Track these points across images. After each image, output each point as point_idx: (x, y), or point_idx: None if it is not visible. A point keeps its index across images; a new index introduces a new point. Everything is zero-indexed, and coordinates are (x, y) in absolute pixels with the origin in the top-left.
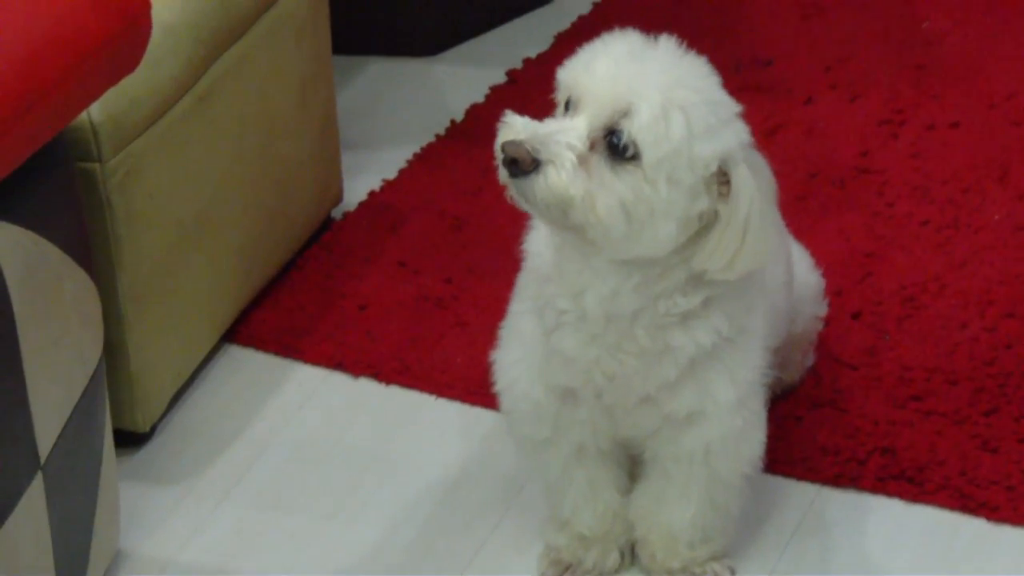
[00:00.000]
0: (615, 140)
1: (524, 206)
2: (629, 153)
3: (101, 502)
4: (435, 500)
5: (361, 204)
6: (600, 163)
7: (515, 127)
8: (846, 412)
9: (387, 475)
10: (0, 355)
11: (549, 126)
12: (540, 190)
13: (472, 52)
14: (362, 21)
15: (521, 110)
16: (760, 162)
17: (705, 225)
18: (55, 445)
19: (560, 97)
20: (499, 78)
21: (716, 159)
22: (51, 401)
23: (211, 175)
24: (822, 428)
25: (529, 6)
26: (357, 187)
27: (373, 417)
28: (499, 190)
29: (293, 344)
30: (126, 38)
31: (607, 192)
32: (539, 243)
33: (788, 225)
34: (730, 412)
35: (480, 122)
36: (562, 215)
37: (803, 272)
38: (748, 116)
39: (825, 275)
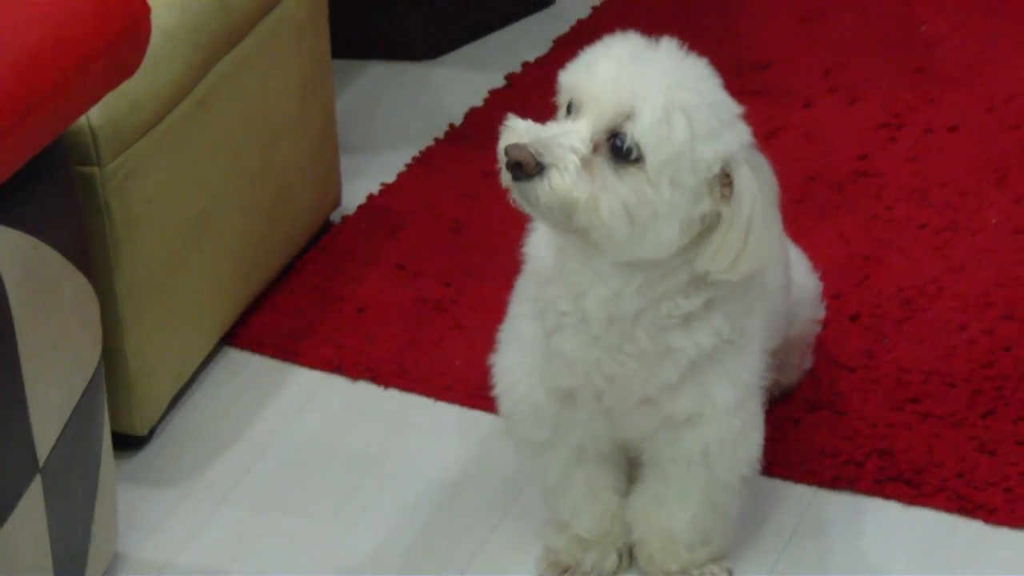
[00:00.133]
0: (618, 143)
1: (527, 209)
2: (632, 156)
3: (99, 505)
4: (434, 503)
5: (360, 207)
6: (603, 166)
7: (518, 130)
8: (844, 414)
9: (386, 478)
10: None
11: (552, 129)
12: (544, 193)
13: (471, 56)
14: (361, 25)
15: (520, 114)
16: (762, 162)
17: (707, 227)
18: (54, 448)
19: (562, 100)
20: (498, 82)
21: (718, 161)
22: (50, 404)
23: (210, 179)
24: (820, 430)
25: (528, 10)
26: (356, 190)
27: (372, 420)
28: (498, 194)
29: (292, 347)
30: (126, 42)
31: (610, 195)
32: (539, 246)
33: (786, 228)
34: (728, 414)
35: (479, 126)
36: (566, 218)
37: (801, 275)
38: (747, 119)
39: (823, 278)
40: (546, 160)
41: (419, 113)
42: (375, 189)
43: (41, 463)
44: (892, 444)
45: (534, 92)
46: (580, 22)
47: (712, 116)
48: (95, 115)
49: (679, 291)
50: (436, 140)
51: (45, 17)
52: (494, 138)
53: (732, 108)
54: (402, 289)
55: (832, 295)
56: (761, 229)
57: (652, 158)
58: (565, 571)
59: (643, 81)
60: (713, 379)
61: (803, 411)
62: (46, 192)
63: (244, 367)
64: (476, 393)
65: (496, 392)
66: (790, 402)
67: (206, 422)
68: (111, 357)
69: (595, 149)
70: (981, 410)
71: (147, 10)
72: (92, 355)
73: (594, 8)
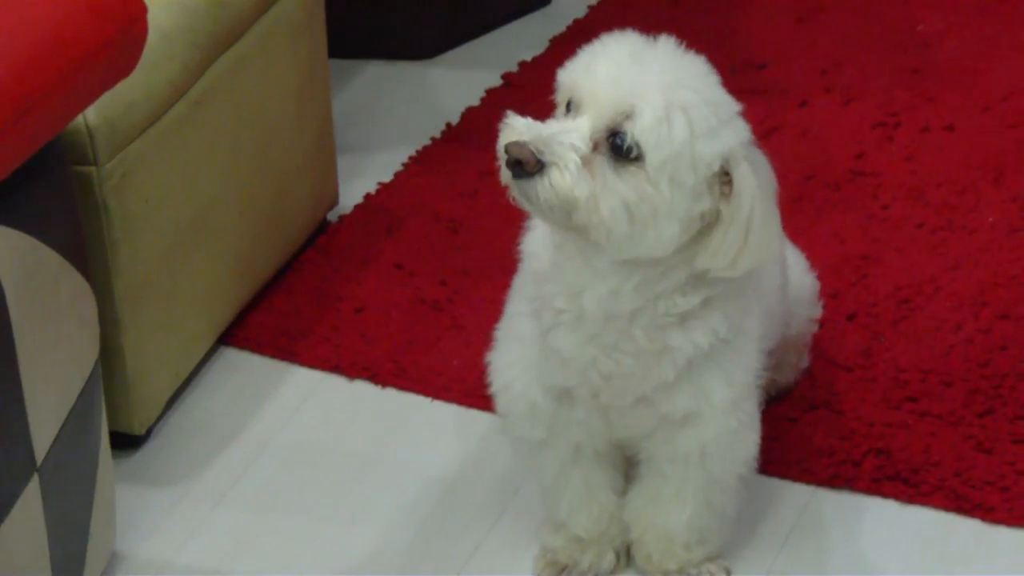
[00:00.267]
0: (618, 142)
1: (526, 207)
2: (632, 155)
3: (97, 504)
4: (431, 502)
5: (357, 207)
6: (603, 164)
7: (518, 128)
8: (841, 414)
9: (383, 477)
10: None
11: (552, 127)
12: (544, 191)
13: (468, 55)
14: (358, 25)
15: (517, 113)
16: (761, 159)
17: (707, 225)
18: (51, 447)
19: (560, 98)
20: (495, 81)
21: (718, 159)
22: (47, 404)
23: (207, 178)
24: (817, 429)
25: (525, 9)
26: (353, 190)
27: (369, 420)
28: (495, 193)
29: (289, 347)
30: (122, 42)
31: (610, 193)
32: (537, 244)
33: (783, 227)
34: (725, 413)
35: (476, 125)
36: (565, 216)
37: (798, 274)
38: (743, 118)
39: (820, 277)
40: (546, 158)
41: (416, 113)
42: (372, 189)
43: (39, 463)
44: (889, 443)
45: (531, 91)
46: (576, 21)
47: (711, 114)
48: (92, 115)
49: (677, 289)
50: (433, 140)
51: (42, 17)
52: (491, 138)
53: (731, 106)
54: (399, 289)
55: (829, 294)
56: (761, 226)
57: (652, 157)
58: (562, 570)
59: (642, 80)
60: (710, 378)
61: (800, 410)
62: (43, 192)
63: (242, 367)
64: (473, 392)
65: (493, 390)
66: (787, 401)
67: (204, 422)
68: (109, 357)
69: (595, 147)
70: (978, 409)
71: (144, 10)
72: (90, 355)
73: (590, 7)
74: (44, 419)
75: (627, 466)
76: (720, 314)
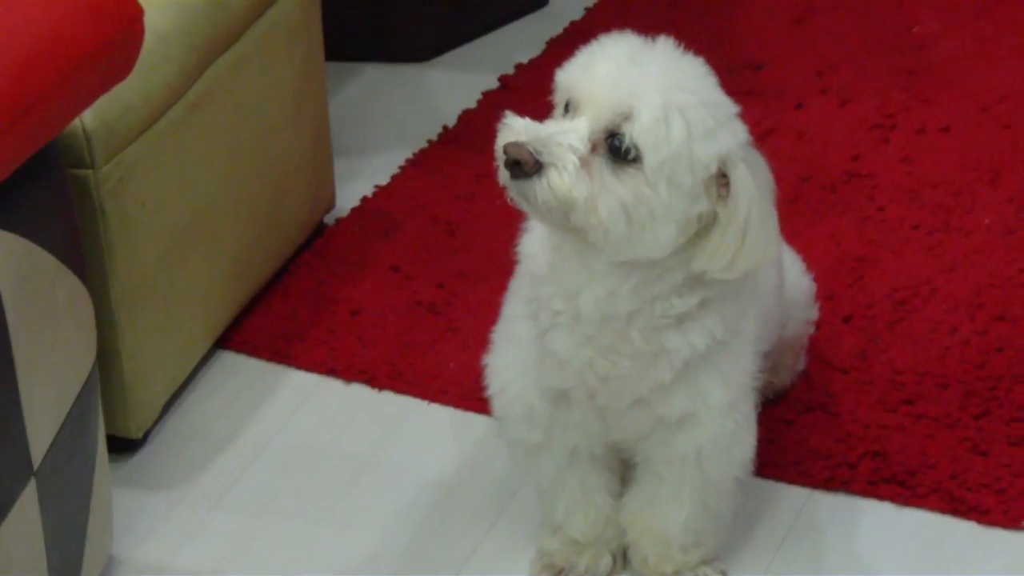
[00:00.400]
0: (616, 143)
1: (524, 208)
2: (630, 156)
3: (94, 508)
4: (428, 505)
5: (354, 210)
6: (601, 165)
7: (516, 128)
8: (837, 416)
9: (380, 480)
10: None
11: (550, 128)
12: (542, 192)
13: (465, 58)
14: (355, 27)
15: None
16: (759, 161)
17: (704, 226)
18: (48, 451)
19: (559, 99)
20: (491, 84)
21: (715, 161)
22: (44, 407)
23: (204, 181)
24: (813, 432)
25: (521, 12)
26: (350, 193)
27: (366, 423)
28: (492, 196)
29: (286, 350)
30: (119, 45)
31: (609, 194)
32: (534, 245)
33: (779, 229)
34: (722, 415)
35: (473, 128)
36: (563, 217)
37: (794, 276)
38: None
39: (816, 279)
40: (545, 159)
41: (413, 115)
42: (369, 191)
43: (36, 466)
44: (885, 445)
45: (528, 93)
46: (573, 23)
47: (709, 116)
48: (89, 118)
49: (674, 291)
50: (430, 142)
51: (39, 20)
52: (488, 140)
53: (729, 107)
54: (396, 291)
55: (825, 296)
56: (758, 228)
57: (650, 158)
58: (559, 573)
59: (641, 82)
60: (707, 380)
61: (796, 412)
62: (40, 195)
63: (238, 370)
64: (470, 395)
65: (489, 393)
66: (783, 403)
67: (201, 425)
68: (105, 360)
69: (593, 149)
70: (974, 411)
71: (141, 12)
72: (86, 358)
73: (587, 9)
74: (41, 423)
75: (623, 469)
76: (717, 316)
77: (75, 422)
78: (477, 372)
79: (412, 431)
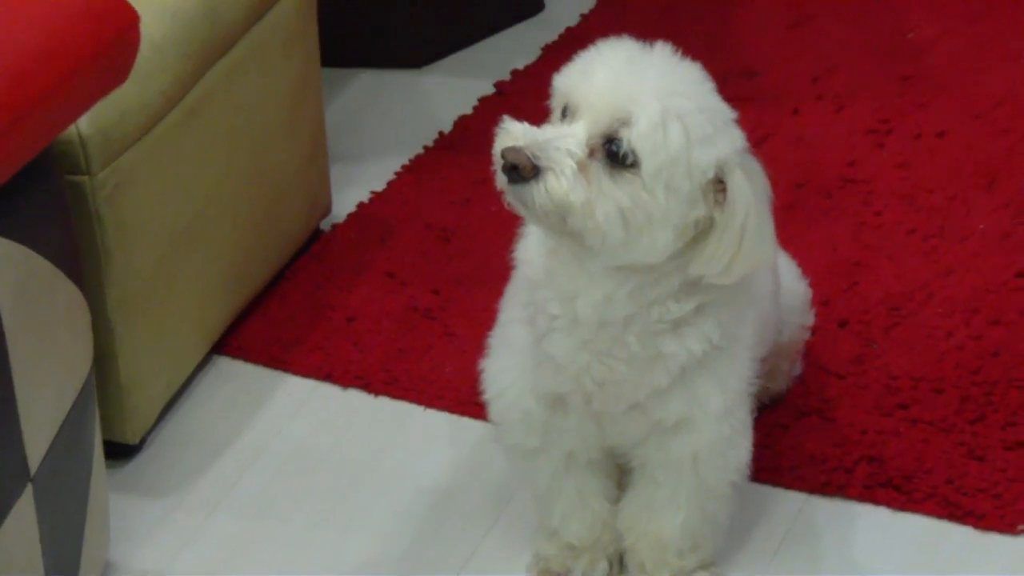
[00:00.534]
0: (614, 148)
1: (522, 212)
2: (628, 161)
3: (91, 513)
4: (425, 510)
5: (350, 216)
6: (599, 170)
7: (514, 133)
8: (833, 421)
9: (377, 486)
10: None
11: (548, 133)
12: (540, 197)
13: (460, 64)
14: (351, 33)
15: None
16: (755, 166)
17: (701, 232)
18: (45, 457)
19: (556, 104)
20: (487, 90)
21: (713, 166)
22: (41, 413)
23: (200, 188)
24: (809, 437)
25: (517, 18)
26: (346, 199)
27: (362, 428)
28: (487, 201)
29: (282, 355)
30: (115, 51)
31: (606, 199)
32: (530, 250)
33: (775, 234)
34: (718, 420)
35: (468, 134)
36: (560, 221)
37: (790, 281)
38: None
39: (812, 284)
40: (542, 163)
41: (409, 121)
42: (365, 197)
43: (32, 472)
44: (881, 450)
45: (523, 99)
46: (569, 30)
47: (706, 122)
48: (85, 124)
49: (671, 296)
50: (426, 148)
51: (34, 26)
52: (484, 146)
53: (726, 113)
54: (392, 297)
55: (821, 301)
56: (755, 233)
57: (648, 164)
58: None
59: (639, 87)
60: (703, 385)
61: (792, 417)
62: (36, 201)
63: (235, 375)
64: (466, 400)
65: (486, 397)
66: (779, 409)
67: (197, 430)
68: (102, 366)
69: (591, 154)
70: (970, 416)
71: (136, 19)
72: (83, 364)
73: (583, 16)
74: (38, 428)
75: (620, 474)
76: (713, 321)
77: (72, 427)
78: (473, 377)
79: (408, 436)
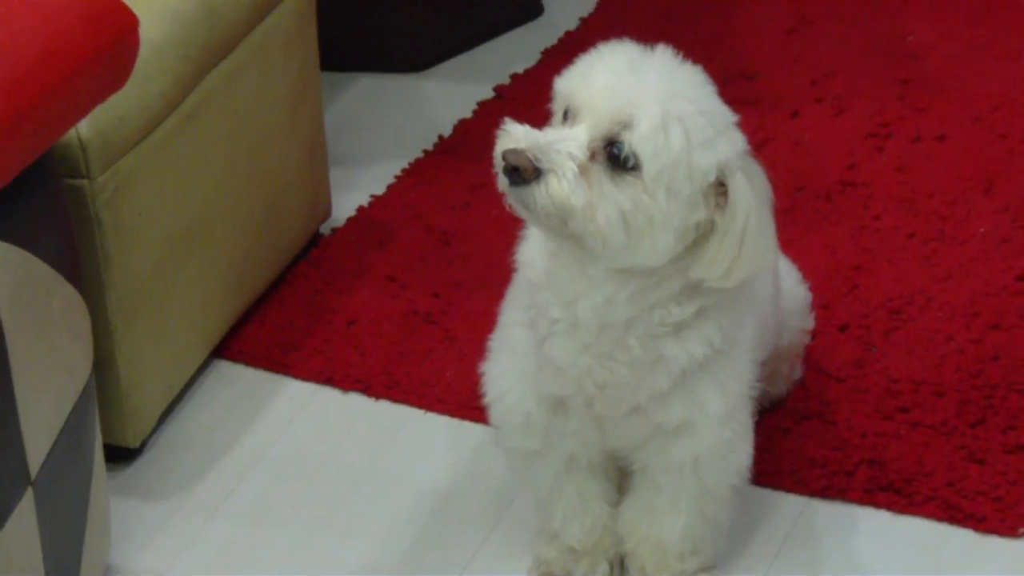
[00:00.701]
0: (615, 151)
1: (523, 214)
2: (629, 164)
3: (92, 517)
4: (425, 514)
5: (350, 219)
6: (600, 173)
7: (515, 135)
8: (833, 424)
9: (377, 489)
10: None
11: (549, 135)
12: (541, 199)
13: (460, 68)
14: (350, 37)
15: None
16: (756, 169)
17: (702, 235)
18: (45, 460)
19: (557, 107)
20: (487, 93)
21: (714, 169)
22: (41, 417)
23: (200, 191)
24: (810, 440)
25: (516, 21)
26: (346, 202)
27: (363, 432)
28: (487, 205)
29: (282, 359)
30: (115, 55)
31: (607, 202)
32: (531, 253)
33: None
34: (719, 423)
35: (468, 137)
36: (561, 224)
37: (790, 285)
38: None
39: (812, 288)
40: (544, 166)
41: (408, 125)
42: (364, 201)
43: (33, 476)
44: (882, 453)
45: (523, 103)
46: (568, 33)
47: (708, 125)
48: (84, 128)
49: (672, 299)
50: (425, 152)
51: (34, 30)
52: (483, 149)
53: (727, 116)
54: (392, 301)
55: (821, 305)
56: (756, 237)
57: (649, 167)
58: None
59: (640, 90)
60: (704, 388)
61: (793, 421)
62: (36, 205)
63: (235, 379)
64: (466, 404)
65: (487, 400)
66: (780, 412)
67: (198, 434)
68: (102, 369)
69: (592, 156)
70: (970, 419)
71: (135, 23)
72: (83, 368)
73: (582, 19)
74: (38, 432)
75: (621, 477)
76: (715, 324)
77: (72, 431)
78: (473, 381)
79: (409, 440)
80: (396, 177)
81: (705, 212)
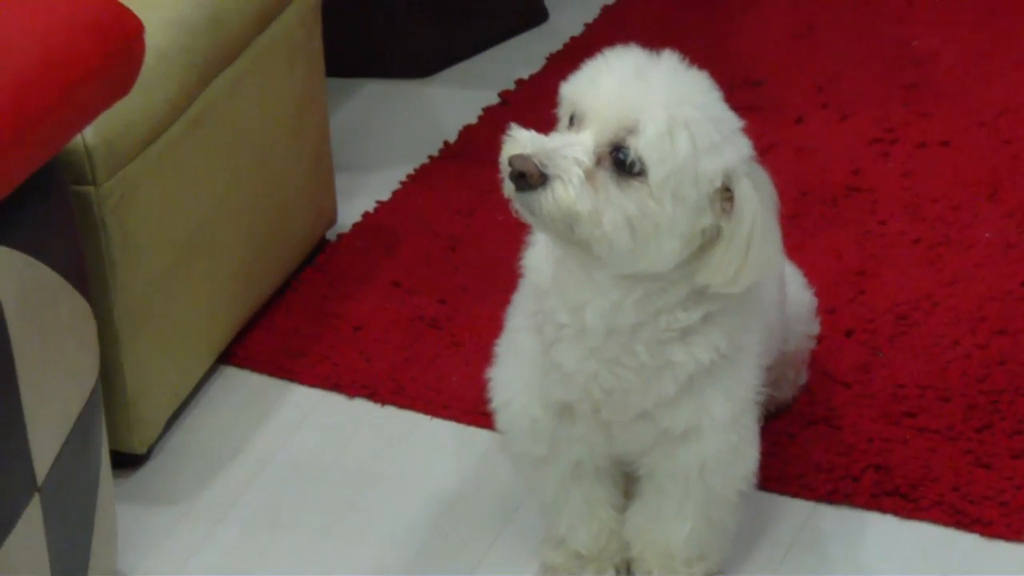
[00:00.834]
0: (621, 156)
1: (529, 220)
2: (635, 170)
3: (98, 524)
4: (432, 520)
5: (355, 225)
6: (606, 179)
7: (521, 141)
8: (840, 429)
9: (384, 495)
10: None
11: (556, 141)
12: (547, 205)
13: (465, 73)
14: (355, 43)
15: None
16: (762, 175)
17: (707, 240)
18: (52, 467)
19: (563, 112)
20: (492, 99)
21: (720, 175)
22: (48, 423)
23: (206, 198)
24: (816, 445)
25: (521, 27)
26: (351, 208)
27: (369, 438)
28: (493, 211)
29: (288, 365)
30: (120, 62)
31: (613, 208)
32: (538, 258)
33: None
34: (726, 429)
35: (473, 143)
36: (568, 230)
37: (795, 290)
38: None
39: (817, 293)
40: (550, 171)
41: (413, 131)
42: (370, 207)
43: (40, 482)
44: (888, 458)
45: (528, 109)
46: (573, 39)
47: (714, 130)
48: (90, 135)
49: (678, 304)
50: (431, 158)
51: (40, 37)
52: (489, 155)
53: (733, 122)
54: (398, 307)
55: (826, 310)
56: (762, 242)
57: (655, 172)
58: None
59: (646, 96)
60: (711, 393)
61: (799, 426)
62: (42, 211)
63: (241, 385)
64: (472, 410)
65: (493, 406)
66: (786, 417)
67: (204, 440)
68: (109, 376)
69: (598, 162)
70: (976, 424)
71: (141, 29)
72: (89, 374)
73: (587, 25)
74: (45, 439)
75: (627, 482)
76: (720, 330)
77: (79, 437)
78: (479, 387)
79: (415, 446)
80: (402, 183)
81: (711, 218)
